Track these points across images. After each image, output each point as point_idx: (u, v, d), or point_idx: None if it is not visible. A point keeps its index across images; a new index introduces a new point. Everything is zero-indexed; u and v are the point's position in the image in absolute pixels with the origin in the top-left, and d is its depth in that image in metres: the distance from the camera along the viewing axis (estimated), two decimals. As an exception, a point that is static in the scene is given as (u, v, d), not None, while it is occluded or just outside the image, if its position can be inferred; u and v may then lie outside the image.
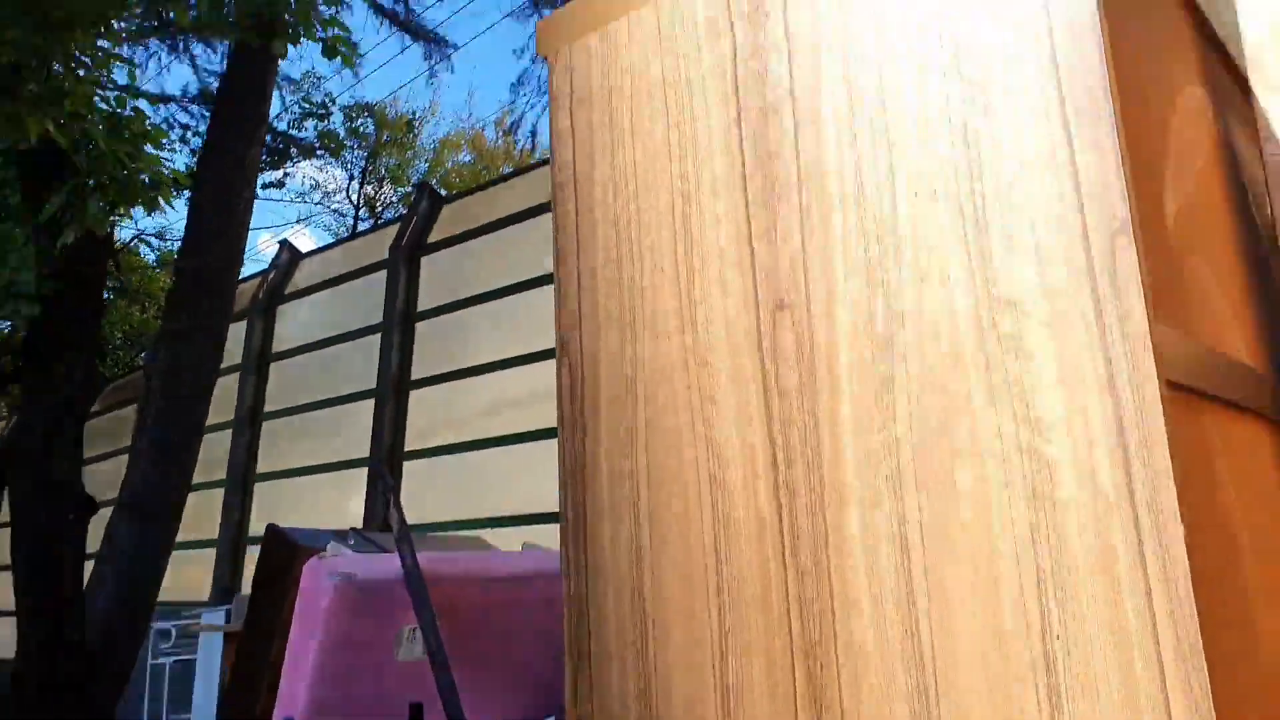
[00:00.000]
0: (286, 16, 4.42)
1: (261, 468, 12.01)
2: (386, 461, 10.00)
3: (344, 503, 10.47)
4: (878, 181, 1.29)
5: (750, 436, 1.38)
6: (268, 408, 12.22)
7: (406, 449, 9.96)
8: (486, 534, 6.40)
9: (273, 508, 11.47)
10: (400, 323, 10.72)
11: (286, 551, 5.01)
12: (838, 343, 1.30)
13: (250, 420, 12.12)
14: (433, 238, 11.12)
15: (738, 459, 1.39)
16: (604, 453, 1.57)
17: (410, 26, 13.26)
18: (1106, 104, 1.10)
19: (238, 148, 7.49)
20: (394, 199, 21.71)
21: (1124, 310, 1.06)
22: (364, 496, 10.12)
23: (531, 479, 8.43)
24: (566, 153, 1.71)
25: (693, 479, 1.44)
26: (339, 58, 4.57)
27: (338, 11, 4.40)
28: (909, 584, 1.20)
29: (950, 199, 1.22)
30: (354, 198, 21.30)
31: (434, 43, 13.77)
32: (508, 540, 6.35)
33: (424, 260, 11.14)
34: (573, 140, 1.71)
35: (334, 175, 21.60)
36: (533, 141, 13.49)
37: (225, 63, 9.17)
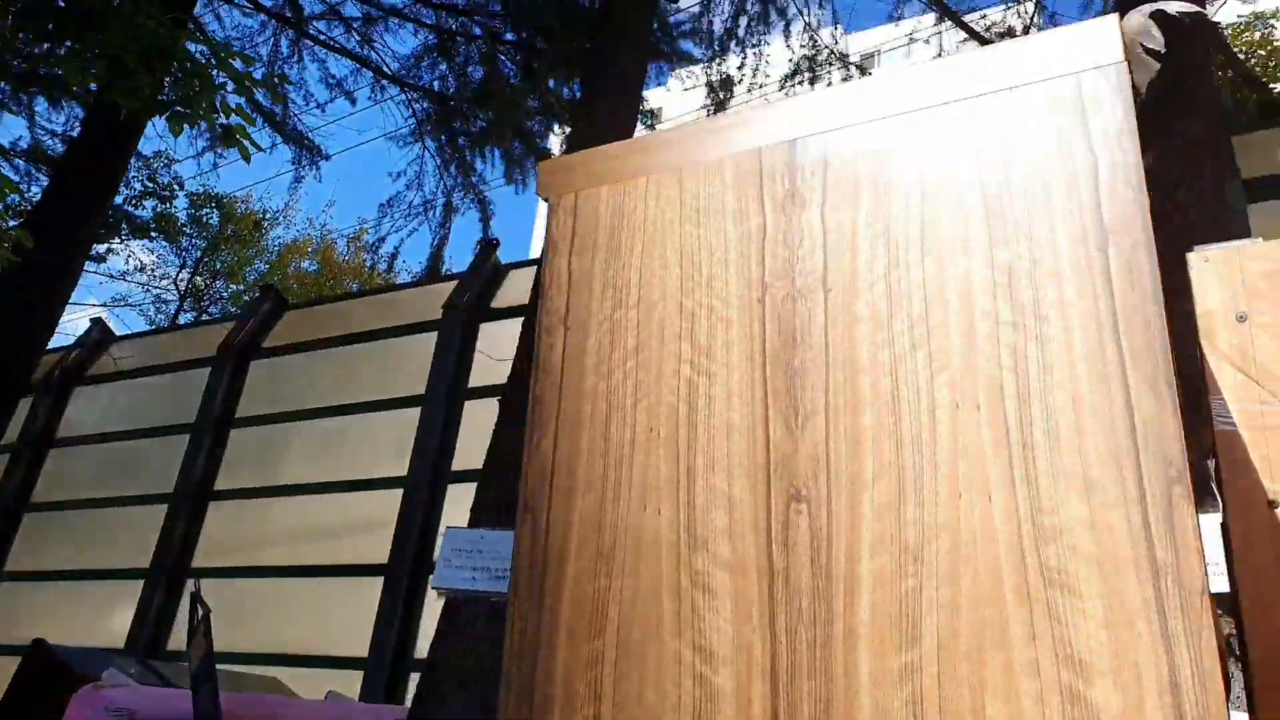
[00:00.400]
0: (189, 95, 4.20)
1: (11, 565, 10.53)
2: (168, 574, 9.02)
3: (105, 619, 9.27)
4: (916, 386, 1.27)
5: (748, 635, 1.28)
6: (36, 498, 10.87)
7: (195, 564, 9.03)
8: (284, 674, 5.77)
9: (15, 615, 9.99)
10: (215, 426, 9.93)
11: (53, 673, 4.31)
12: (860, 547, 1.24)
13: (11, 510, 10.71)
14: (268, 342, 10.53)
15: (731, 658, 1.28)
16: (565, 628, 1.42)
17: (284, 128, 12.99)
18: (1164, 351, 1.13)
19: (80, 216, 6.93)
20: (224, 295, 20.64)
21: (1182, 565, 1.06)
22: (132, 613, 9.02)
23: (340, 618, 7.76)
24: (559, 298, 1.63)
25: (673, 674, 1.31)
26: (236, 147, 4.34)
27: (252, 103, 4.21)
28: (925, 824, 1.10)
29: (995, 417, 1.21)
30: (181, 286, 20.09)
31: (305, 148, 13.50)
32: (308, 685, 5.74)
33: (253, 364, 10.49)
34: (568, 286, 1.63)
35: (163, 258, 20.33)
36: (390, 265, 13.21)
37: (82, 124, 8.64)
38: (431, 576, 5.30)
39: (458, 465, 8.41)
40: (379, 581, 7.91)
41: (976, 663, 1.13)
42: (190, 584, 3.61)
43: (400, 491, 8.41)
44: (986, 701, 1.11)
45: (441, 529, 7.95)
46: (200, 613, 3.71)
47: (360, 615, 7.71)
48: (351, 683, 6.97)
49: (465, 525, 5.34)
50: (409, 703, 5.74)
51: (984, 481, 1.19)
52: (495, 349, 8.56)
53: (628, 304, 1.56)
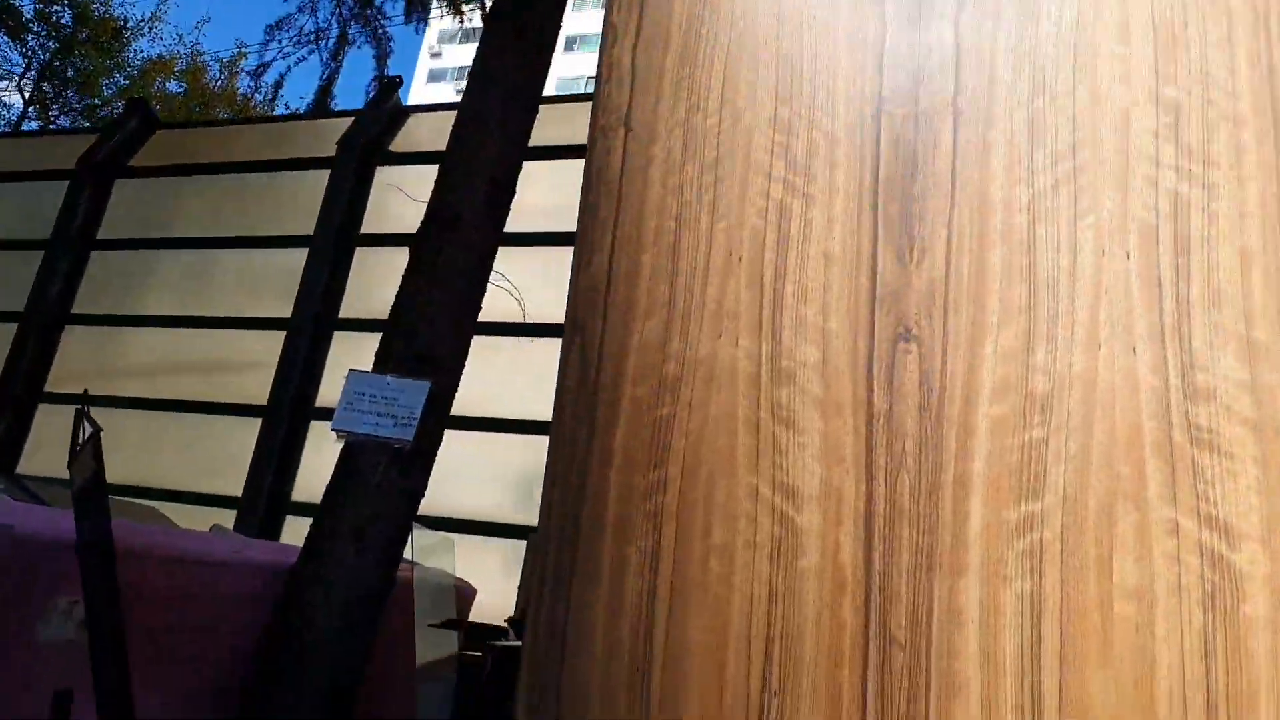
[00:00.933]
0: None
1: None
2: (15, 400, 8.36)
3: (-60, 440, 8.55)
4: (1056, 226, 1.16)
5: (840, 476, 1.17)
6: None
7: (49, 389, 8.39)
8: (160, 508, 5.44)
9: None
10: (72, 246, 9.10)
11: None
12: (980, 393, 1.14)
13: None
14: (135, 162, 9.63)
15: (819, 498, 1.17)
16: (618, 460, 1.27)
17: (161, -76, 11.66)
18: (1349, 212, 1.05)
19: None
20: (76, 106, 18.69)
21: (1352, 428, 1.00)
22: (-28, 437, 8.34)
23: (212, 456, 7.38)
24: (621, 94, 1.42)
25: (749, 509, 1.19)
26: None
27: None
28: (1037, 678, 1.04)
29: (1147, 267, 1.11)
30: (27, 92, 18.02)
31: (185, -49, 12.16)
32: (183, 519, 5.44)
33: (118, 184, 9.60)
34: (631, 82, 1.42)
35: (4, 57, 18.10)
36: (274, 94, 12.22)
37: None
38: (332, 419, 5.04)
39: (345, 313, 8.02)
40: (255, 422, 7.55)
41: (1106, 519, 1.06)
42: (79, 407, 3.26)
43: (282, 333, 7.98)
44: (1115, 559, 1.05)
45: (329, 372, 7.61)
46: (88, 431, 3.39)
47: (234, 455, 7.38)
48: (224, 521, 6.70)
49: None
50: (282, 542, 5.54)
51: (1128, 332, 1.10)
52: (395, 195, 8.07)
53: (707, 108, 1.37)
